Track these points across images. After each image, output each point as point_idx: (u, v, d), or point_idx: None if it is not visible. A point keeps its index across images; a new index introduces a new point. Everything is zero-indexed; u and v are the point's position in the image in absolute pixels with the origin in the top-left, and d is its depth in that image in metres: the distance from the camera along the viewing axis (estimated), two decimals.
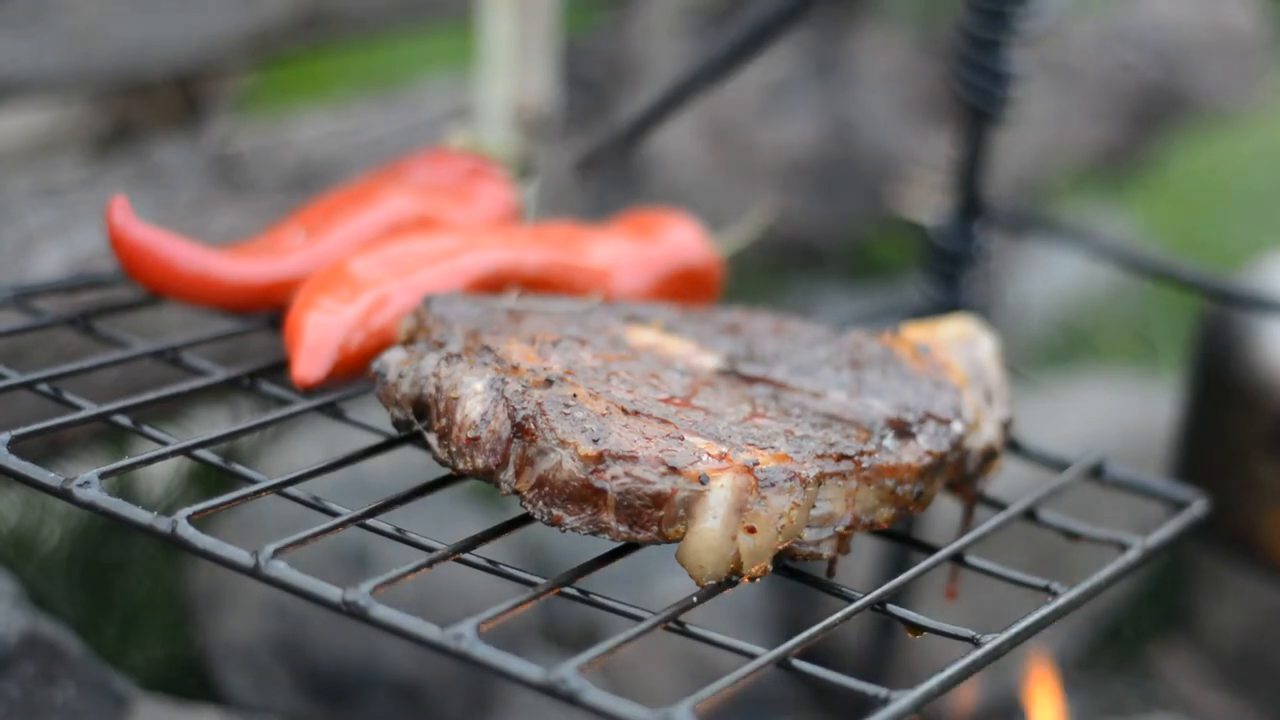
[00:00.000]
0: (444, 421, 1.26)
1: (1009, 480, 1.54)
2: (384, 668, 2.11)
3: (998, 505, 1.44)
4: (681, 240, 1.72)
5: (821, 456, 1.25)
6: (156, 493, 2.26)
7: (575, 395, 1.24)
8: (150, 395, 1.39)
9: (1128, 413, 2.59)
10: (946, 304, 2.11)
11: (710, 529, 1.17)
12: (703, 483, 1.18)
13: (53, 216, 2.03)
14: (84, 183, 2.16)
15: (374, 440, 1.37)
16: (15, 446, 1.25)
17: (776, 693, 2.33)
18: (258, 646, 2.13)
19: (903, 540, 1.41)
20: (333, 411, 1.43)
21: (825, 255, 2.82)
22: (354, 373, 1.45)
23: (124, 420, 1.34)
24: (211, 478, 2.27)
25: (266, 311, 1.58)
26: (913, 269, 2.32)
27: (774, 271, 2.81)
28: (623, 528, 1.18)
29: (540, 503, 1.20)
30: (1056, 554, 2.10)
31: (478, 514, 2.22)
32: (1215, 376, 2.26)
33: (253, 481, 1.27)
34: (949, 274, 2.10)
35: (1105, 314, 3.13)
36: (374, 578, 1.13)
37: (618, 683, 2.20)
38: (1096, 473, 1.52)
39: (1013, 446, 1.55)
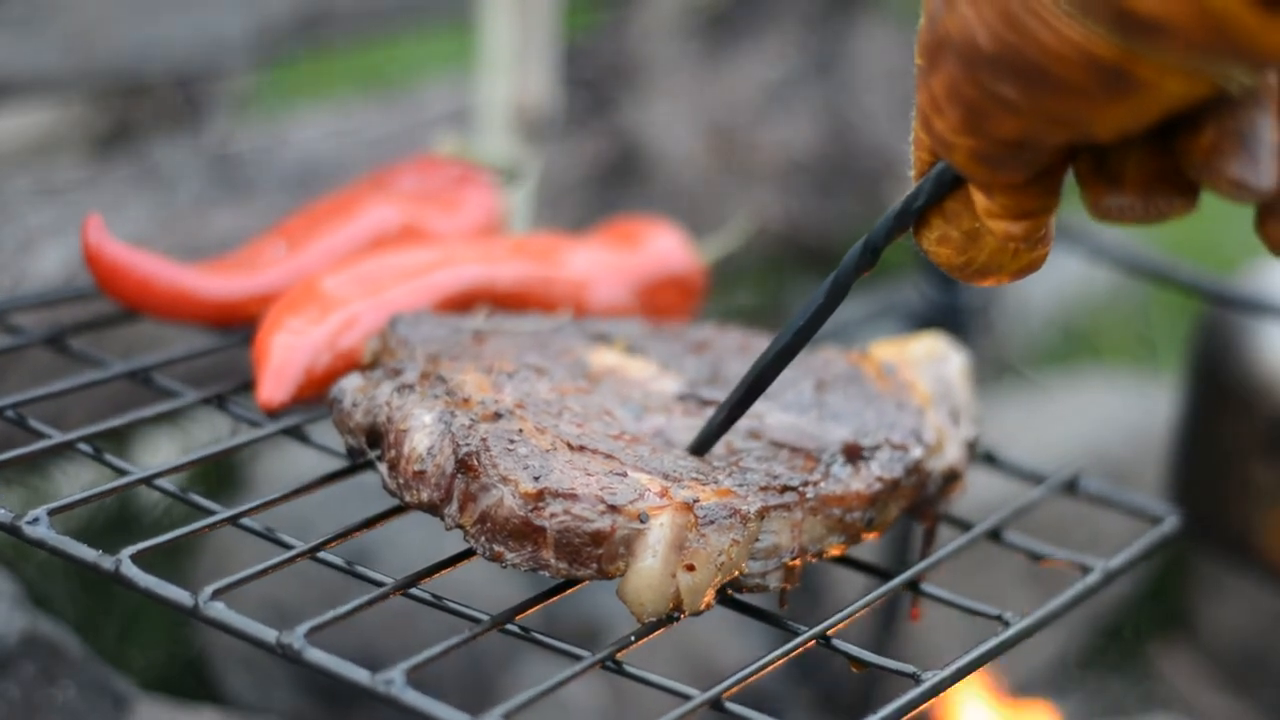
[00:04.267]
0: (393, 453, 1.27)
1: (985, 495, 1.53)
2: (383, 668, 2.11)
3: (964, 525, 1.42)
4: (664, 248, 1.70)
5: (765, 489, 1.24)
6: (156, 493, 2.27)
7: (521, 430, 1.24)
8: (115, 421, 1.40)
9: (1128, 413, 2.58)
10: (945, 304, 2.11)
11: (649, 567, 1.17)
12: (642, 521, 1.17)
13: (53, 216, 2.05)
14: (84, 183, 2.17)
15: (336, 465, 1.38)
16: None
17: (777, 692, 2.33)
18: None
19: (855, 566, 1.39)
20: (298, 435, 1.43)
21: (825, 254, 2.81)
22: (322, 394, 1.44)
23: (86, 449, 1.35)
24: (211, 478, 2.28)
25: (246, 326, 1.57)
26: (912, 269, 2.31)
27: (773, 271, 2.80)
28: (563, 565, 1.18)
29: (483, 538, 1.20)
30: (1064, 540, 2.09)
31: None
32: (1213, 379, 2.25)
33: (210, 512, 1.28)
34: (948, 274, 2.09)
35: (1105, 314, 3.11)
36: (311, 620, 1.13)
37: (619, 687, 2.20)
38: (1071, 488, 1.51)
39: (988, 459, 1.54)
